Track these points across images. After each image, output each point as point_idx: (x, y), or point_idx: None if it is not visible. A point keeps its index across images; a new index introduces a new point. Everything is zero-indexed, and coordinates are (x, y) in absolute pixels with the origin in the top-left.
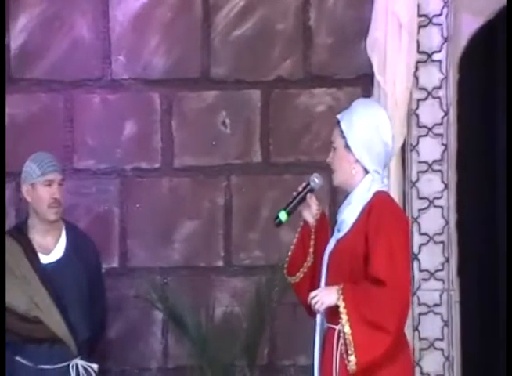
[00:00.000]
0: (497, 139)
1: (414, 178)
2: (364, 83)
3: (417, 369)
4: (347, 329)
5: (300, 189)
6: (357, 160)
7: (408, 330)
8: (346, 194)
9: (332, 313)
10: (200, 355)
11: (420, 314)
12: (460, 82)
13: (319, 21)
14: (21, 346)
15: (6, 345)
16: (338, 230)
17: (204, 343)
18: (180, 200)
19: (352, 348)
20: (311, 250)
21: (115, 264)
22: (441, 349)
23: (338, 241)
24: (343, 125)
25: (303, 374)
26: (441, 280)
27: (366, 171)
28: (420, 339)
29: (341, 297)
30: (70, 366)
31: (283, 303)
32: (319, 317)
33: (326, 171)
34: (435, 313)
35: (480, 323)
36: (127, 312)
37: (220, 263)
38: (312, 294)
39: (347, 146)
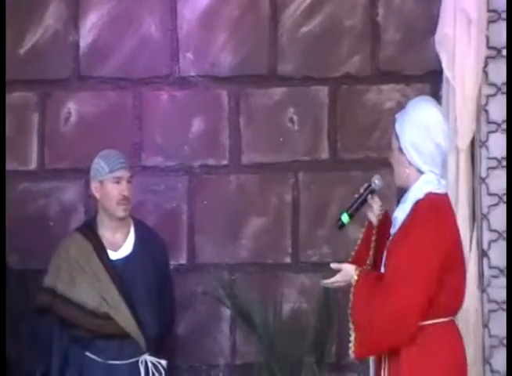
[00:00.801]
0: None
1: (484, 175)
2: (433, 79)
3: (487, 367)
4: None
5: (361, 190)
6: (410, 162)
7: (477, 328)
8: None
9: None
10: (268, 352)
11: (489, 311)
12: None
13: (387, 17)
14: (91, 342)
15: (76, 340)
16: (393, 226)
17: (272, 340)
18: (247, 196)
19: (352, 341)
20: (371, 252)
21: (183, 260)
22: None
23: (391, 239)
24: (397, 127)
25: (370, 371)
26: None
27: (422, 172)
28: (490, 336)
29: (352, 289)
30: (140, 361)
31: (350, 300)
32: None
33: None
34: (505, 310)
35: None
36: (195, 308)
37: (288, 260)
38: (333, 265)
39: (400, 148)
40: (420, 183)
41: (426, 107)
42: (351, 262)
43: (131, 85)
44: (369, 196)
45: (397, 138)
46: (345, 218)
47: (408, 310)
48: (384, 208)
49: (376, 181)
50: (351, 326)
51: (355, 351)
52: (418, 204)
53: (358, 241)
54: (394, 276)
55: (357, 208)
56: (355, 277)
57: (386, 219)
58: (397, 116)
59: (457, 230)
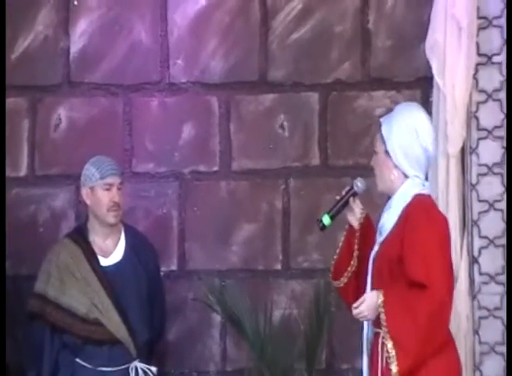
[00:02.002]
0: None
1: (474, 181)
2: (423, 86)
3: (477, 373)
4: (387, 340)
5: (343, 193)
6: (396, 166)
7: (468, 334)
8: (387, 198)
9: (376, 318)
10: (259, 358)
11: (480, 318)
12: None
13: (377, 24)
14: (81, 348)
15: (66, 346)
16: (380, 234)
17: (263, 346)
18: (238, 203)
19: (394, 357)
20: (355, 254)
21: (174, 267)
22: (502, 354)
23: (379, 245)
24: (383, 130)
25: None
26: (502, 283)
27: (407, 176)
28: (481, 343)
29: (382, 309)
30: (130, 368)
31: (341, 306)
32: (365, 322)
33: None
34: (495, 317)
35: None
36: (185, 314)
37: (278, 266)
38: (355, 305)
39: (386, 152)
40: (407, 187)
41: (414, 112)
42: (335, 267)
43: (121, 91)
44: (351, 198)
45: (383, 141)
46: (326, 219)
47: (446, 304)
48: (365, 211)
49: (359, 184)
50: (390, 344)
51: (401, 366)
52: (413, 206)
53: (340, 244)
54: (423, 276)
55: (338, 210)
56: (382, 298)
57: (367, 223)
58: (382, 119)
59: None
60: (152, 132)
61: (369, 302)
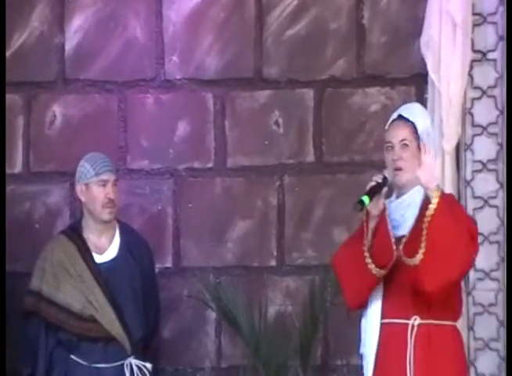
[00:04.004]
0: None
1: (469, 178)
2: (418, 82)
3: (472, 369)
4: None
5: (379, 180)
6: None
7: (463, 331)
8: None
9: (404, 307)
10: (254, 354)
11: (475, 314)
12: None
13: (372, 20)
14: (76, 345)
15: (61, 343)
16: (395, 228)
17: (258, 343)
18: (233, 199)
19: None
20: (370, 238)
21: (168, 264)
22: (497, 350)
23: (403, 240)
24: (419, 126)
25: (356, 374)
26: (497, 279)
27: None
28: (475, 339)
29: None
30: (125, 365)
31: (335, 303)
32: (372, 313)
33: (380, 169)
34: (490, 313)
35: None
36: (180, 311)
37: (273, 263)
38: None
39: (419, 148)
40: None
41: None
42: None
43: (116, 88)
44: (384, 188)
45: (416, 137)
46: (366, 199)
47: (476, 238)
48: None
49: (387, 176)
50: (422, 249)
51: (429, 282)
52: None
53: (370, 232)
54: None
55: (373, 196)
56: (438, 196)
57: (383, 213)
58: (408, 116)
59: None
60: (147, 129)
61: (432, 172)
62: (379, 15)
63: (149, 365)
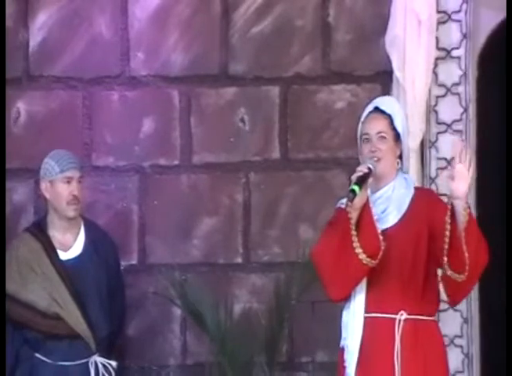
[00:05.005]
0: None
1: (433, 175)
2: (383, 79)
3: None
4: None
5: (366, 170)
6: (400, 155)
7: None
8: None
9: (391, 302)
10: (219, 351)
11: (439, 311)
12: (479, 79)
13: (338, 18)
14: (41, 343)
15: (27, 341)
16: (382, 219)
17: (223, 340)
18: (199, 196)
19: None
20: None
21: (134, 261)
22: (461, 346)
23: (393, 230)
24: (396, 119)
25: (321, 370)
26: None
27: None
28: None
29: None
30: (89, 363)
31: (301, 300)
32: (356, 307)
33: (346, 167)
34: (455, 310)
35: (500, 321)
36: (146, 308)
37: (239, 260)
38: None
39: (396, 140)
40: (406, 177)
41: None
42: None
43: (81, 85)
44: (370, 178)
45: (393, 128)
46: (357, 188)
47: None
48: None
49: (372, 166)
50: (467, 266)
51: (460, 298)
52: (430, 191)
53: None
54: None
55: (362, 185)
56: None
57: (365, 204)
58: (385, 108)
59: None
60: (112, 126)
61: (467, 183)
62: (344, 12)
63: (114, 362)
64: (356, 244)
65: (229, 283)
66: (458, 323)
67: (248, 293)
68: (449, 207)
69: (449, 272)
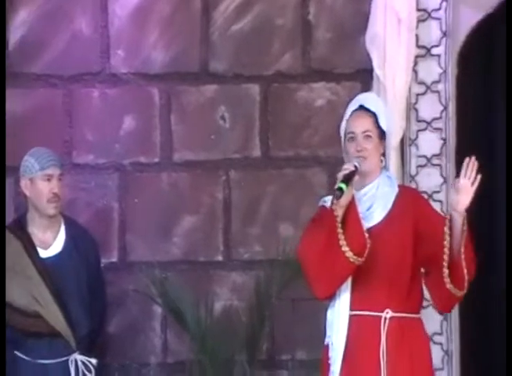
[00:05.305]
0: (496, 133)
1: (413, 173)
2: (363, 77)
3: None
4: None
5: (352, 168)
6: (383, 153)
7: None
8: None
9: (377, 300)
10: (200, 349)
11: None
12: (459, 76)
13: (318, 16)
14: (21, 341)
15: (6, 340)
16: (368, 217)
17: (204, 338)
18: (179, 194)
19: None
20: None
21: (114, 258)
22: (440, 344)
23: (378, 228)
24: (380, 117)
25: (301, 368)
26: None
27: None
28: None
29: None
30: (69, 361)
31: (282, 298)
32: (341, 305)
33: (326, 165)
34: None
35: (479, 317)
36: (126, 306)
37: (219, 258)
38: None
39: (381, 138)
40: (389, 175)
41: None
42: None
43: (61, 82)
44: (356, 176)
45: (378, 127)
46: (345, 186)
47: None
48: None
49: (357, 164)
50: (466, 283)
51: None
52: (414, 191)
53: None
54: None
55: (349, 183)
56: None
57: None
58: (369, 106)
59: None
60: (92, 124)
61: (470, 197)
62: (324, 10)
63: (94, 360)
64: (343, 242)
65: (210, 281)
66: (437, 321)
67: (229, 291)
68: (448, 217)
69: (449, 286)
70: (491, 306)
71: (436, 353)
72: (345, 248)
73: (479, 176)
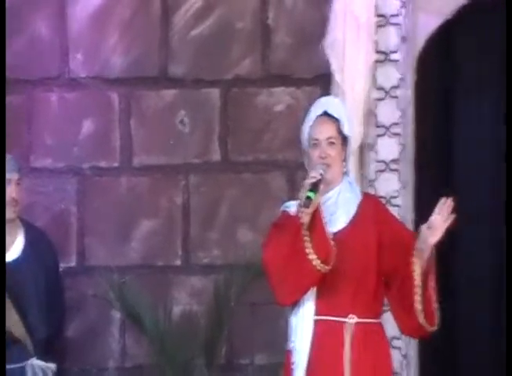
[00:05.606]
0: (454, 139)
1: (372, 178)
2: (323, 82)
3: None
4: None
5: (319, 176)
6: (345, 159)
7: None
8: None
9: (342, 306)
10: (159, 354)
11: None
12: (418, 82)
13: (277, 20)
14: None
15: None
16: (330, 222)
17: (162, 342)
18: (138, 199)
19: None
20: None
21: (73, 263)
22: (399, 348)
23: (343, 234)
24: (343, 124)
25: (260, 372)
26: None
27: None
28: None
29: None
30: (27, 366)
31: (240, 302)
32: (306, 310)
33: (285, 169)
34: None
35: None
36: (85, 311)
37: (178, 262)
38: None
39: (343, 144)
40: (350, 181)
41: None
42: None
43: (20, 86)
44: (321, 184)
45: (340, 133)
46: (312, 194)
47: None
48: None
49: (323, 172)
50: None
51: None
52: (376, 198)
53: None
54: None
55: (317, 191)
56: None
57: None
58: (332, 112)
59: None
60: (51, 127)
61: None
62: (284, 15)
63: (52, 365)
64: (310, 250)
65: (169, 286)
66: (395, 325)
67: (187, 295)
68: (415, 246)
69: (422, 321)
70: (450, 310)
71: (395, 357)
72: (312, 256)
73: (453, 215)
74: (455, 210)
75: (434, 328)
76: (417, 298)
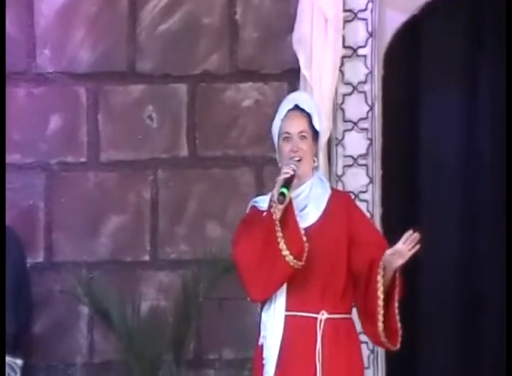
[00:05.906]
0: (421, 134)
1: (340, 173)
2: (290, 78)
3: None
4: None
5: (291, 172)
6: (316, 154)
7: None
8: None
9: (312, 301)
10: (126, 349)
11: None
12: (385, 77)
13: (245, 16)
14: None
15: None
16: (302, 217)
17: (130, 338)
18: (106, 194)
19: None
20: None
21: (40, 258)
22: (366, 342)
23: (313, 229)
24: (314, 118)
25: (229, 367)
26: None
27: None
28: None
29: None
30: None
31: (208, 298)
32: (277, 306)
33: (253, 164)
34: None
35: (404, 316)
36: (52, 307)
37: (146, 257)
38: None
39: (314, 139)
40: (320, 176)
41: None
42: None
43: None
44: (294, 179)
45: (312, 127)
46: (286, 191)
47: None
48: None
49: (295, 167)
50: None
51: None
52: (346, 195)
53: (277, 224)
54: None
55: (290, 187)
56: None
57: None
58: (304, 107)
59: None
60: (18, 123)
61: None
62: (251, 11)
63: (19, 361)
64: (283, 246)
65: (137, 281)
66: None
67: (155, 290)
68: (380, 267)
69: (384, 340)
70: (416, 305)
71: (363, 352)
72: (285, 252)
73: (418, 246)
74: (420, 241)
75: (396, 348)
76: (380, 317)
